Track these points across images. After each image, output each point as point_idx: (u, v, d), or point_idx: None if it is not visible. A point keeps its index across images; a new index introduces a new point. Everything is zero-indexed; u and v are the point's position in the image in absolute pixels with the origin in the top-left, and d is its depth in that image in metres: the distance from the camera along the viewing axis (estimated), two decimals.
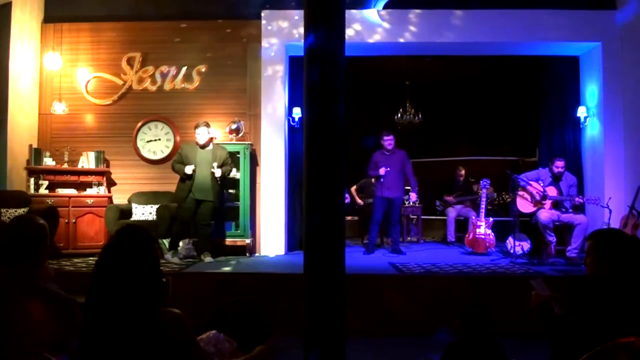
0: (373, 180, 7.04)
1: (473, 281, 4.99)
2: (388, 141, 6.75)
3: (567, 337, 2.12)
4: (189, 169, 5.89)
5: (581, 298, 2.18)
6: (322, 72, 2.35)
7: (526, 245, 6.35)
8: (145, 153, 7.11)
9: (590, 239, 2.33)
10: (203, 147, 6.06)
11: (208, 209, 6.01)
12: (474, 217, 6.97)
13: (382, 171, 6.58)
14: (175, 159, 6.15)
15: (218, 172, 5.95)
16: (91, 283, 1.70)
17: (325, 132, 2.34)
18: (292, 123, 7.19)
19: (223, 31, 7.17)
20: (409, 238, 8.46)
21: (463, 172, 8.19)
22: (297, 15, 6.84)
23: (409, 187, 7.49)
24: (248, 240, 6.60)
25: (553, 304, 2.42)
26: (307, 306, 2.30)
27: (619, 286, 2.10)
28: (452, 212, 7.70)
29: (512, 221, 6.38)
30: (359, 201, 8.08)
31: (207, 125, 6.10)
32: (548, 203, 6.14)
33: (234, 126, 6.91)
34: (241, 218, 6.59)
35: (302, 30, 2.49)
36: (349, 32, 6.70)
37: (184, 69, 7.09)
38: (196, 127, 6.08)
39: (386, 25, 6.91)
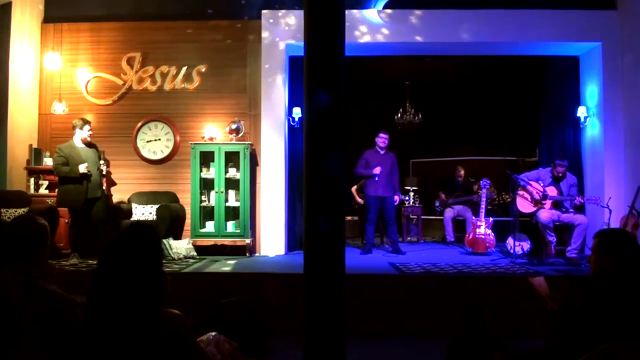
0: (363, 179, 7.04)
1: (473, 281, 4.99)
2: (383, 139, 6.76)
3: (568, 336, 2.12)
4: (83, 168, 5.67)
5: (583, 297, 2.18)
6: (322, 72, 2.35)
7: (526, 245, 6.35)
8: (145, 153, 7.11)
9: (596, 237, 2.33)
10: (88, 145, 5.93)
11: (103, 206, 5.94)
12: (473, 218, 6.97)
13: (377, 170, 6.59)
14: (58, 162, 5.74)
15: (104, 169, 5.95)
16: (94, 279, 1.69)
17: (325, 132, 2.34)
18: (292, 123, 7.19)
19: (223, 31, 7.17)
20: (408, 238, 8.46)
21: (462, 172, 8.19)
22: (297, 15, 6.84)
23: (407, 187, 7.51)
24: (248, 240, 6.60)
25: (550, 302, 2.42)
26: (307, 306, 2.30)
27: (622, 285, 2.10)
28: (448, 213, 7.71)
29: (512, 221, 6.37)
30: (359, 200, 8.08)
31: (90, 122, 5.99)
32: (548, 203, 6.14)
33: (234, 126, 6.91)
34: (241, 218, 6.59)
35: (302, 30, 2.49)
36: (349, 32, 6.69)
37: (184, 69, 7.09)
38: (87, 124, 5.89)
39: (386, 25, 6.91)
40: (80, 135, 5.87)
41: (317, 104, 2.36)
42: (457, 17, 6.88)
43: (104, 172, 5.95)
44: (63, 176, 5.75)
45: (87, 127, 5.88)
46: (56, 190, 6.68)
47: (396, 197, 6.90)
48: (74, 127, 5.90)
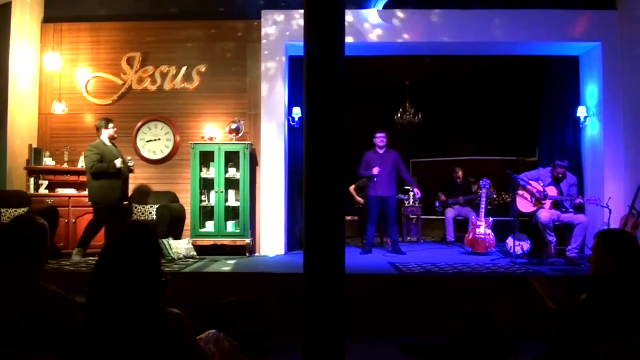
0: (366, 180, 7.04)
1: (473, 281, 4.99)
2: (380, 138, 6.76)
3: (568, 336, 2.12)
4: (119, 163, 5.82)
5: (582, 296, 2.17)
6: (322, 72, 2.35)
7: (526, 245, 6.35)
8: (145, 153, 7.11)
9: (597, 237, 2.33)
10: (113, 143, 6.05)
11: (124, 203, 6.18)
12: (473, 217, 6.97)
13: (375, 171, 6.60)
14: (94, 159, 5.76)
15: (131, 164, 6.16)
16: (94, 279, 1.70)
17: (325, 132, 2.35)
18: (292, 123, 7.19)
19: (223, 31, 7.17)
20: (409, 238, 8.46)
21: (460, 173, 8.19)
22: (298, 15, 6.84)
23: (408, 187, 7.50)
24: (248, 240, 6.60)
25: (548, 300, 2.43)
26: (307, 306, 2.30)
27: (623, 285, 2.10)
28: (450, 213, 7.71)
29: (512, 221, 6.37)
30: (359, 200, 8.08)
31: (112, 120, 6.12)
32: (548, 203, 6.14)
33: (234, 126, 6.90)
34: (241, 218, 6.59)
35: (302, 30, 2.49)
36: (349, 32, 6.70)
37: (184, 69, 7.09)
38: (110, 122, 6.01)
39: (386, 25, 6.91)
40: (108, 134, 5.99)
41: (317, 104, 2.36)
42: (456, 17, 6.88)
43: (132, 169, 6.17)
44: (100, 173, 5.80)
45: (111, 125, 6.02)
46: (56, 190, 6.73)
47: (416, 191, 6.88)
48: (98, 129, 6.01)
